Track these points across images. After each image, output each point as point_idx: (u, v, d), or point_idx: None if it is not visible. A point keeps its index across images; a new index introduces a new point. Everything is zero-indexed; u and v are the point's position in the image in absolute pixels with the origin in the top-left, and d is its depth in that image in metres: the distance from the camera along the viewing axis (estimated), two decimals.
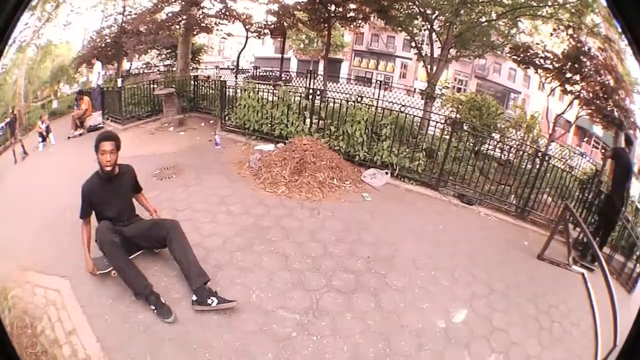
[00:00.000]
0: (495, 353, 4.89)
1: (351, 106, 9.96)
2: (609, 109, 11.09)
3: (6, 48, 2.41)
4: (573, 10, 10.86)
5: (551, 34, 11.77)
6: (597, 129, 13.06)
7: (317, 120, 10.51)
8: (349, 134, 9.75)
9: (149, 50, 15.98)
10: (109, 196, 5.42)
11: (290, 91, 10.76)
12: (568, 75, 11.62)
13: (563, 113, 12.11)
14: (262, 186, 8.20)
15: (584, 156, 12.77)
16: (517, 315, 5.55)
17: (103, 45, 14.44)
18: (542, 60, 12.10)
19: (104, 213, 5.36)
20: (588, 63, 11.13)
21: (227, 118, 11.69)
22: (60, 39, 14.06)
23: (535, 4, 11.41)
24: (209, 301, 4.74)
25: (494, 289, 5.93)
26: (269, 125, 10.77)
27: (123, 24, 14.38)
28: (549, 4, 11.17)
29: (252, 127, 10.97)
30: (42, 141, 11.49)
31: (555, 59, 11.80)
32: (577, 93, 11.63)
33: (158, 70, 16.61)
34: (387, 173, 9.37)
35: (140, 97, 13.30)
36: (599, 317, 5.63)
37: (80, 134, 11.92)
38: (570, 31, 11.27)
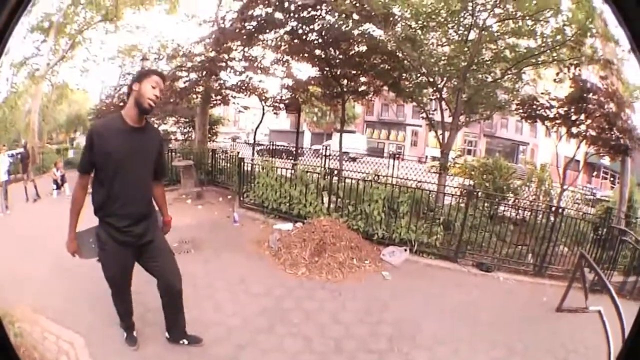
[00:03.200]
0: None
1: (368, 185, 10.10)
2: (614, 137, 11.35)
3: (6, 48, 2.33)
4: (572, 44, 11.04)
5: (554, 80, 12.08)
6: (605, 160, 13.24)
7: (335, 199, 10.62)
8: (367, 213, 9.87)
9: (168, 118, 16.47)
10: (128, 153, 3.99)
11: (307, 171, 10.94)
12: (574, 117, 11.89)
13: (573, 158, 12.33)
14: (282, 267, 8.26)
15: (595, 191, 12.93)
16: None
17: (121, 104, 14.26)
18: (547, 111, 12.38)
19: (113, 179, 4.02)
20: (592, 97, 11.38)
21: (245, 195, 11.88)
22: (77, 85, 14.50)
23: (536, 50, 11.57)
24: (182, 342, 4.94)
25: (513, 350, 6.03)
26: (287, 204, 10.92)
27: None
28: (549, 43, 11.30)
29: (271, 206, 11.16)
30: (57, 189, 11.88)
31: (560, 105, 12.11)
32: (584, 133, 11.91)
33: (175, 138, 17.11)
34: (405, 250, 9.42)
35: None
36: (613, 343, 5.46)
37: None
38: (572, 70, 11.57)
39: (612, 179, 14.31)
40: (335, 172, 11.10)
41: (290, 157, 14.69)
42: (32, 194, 11.39)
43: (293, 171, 11.20)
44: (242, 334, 5.90)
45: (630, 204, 12.13)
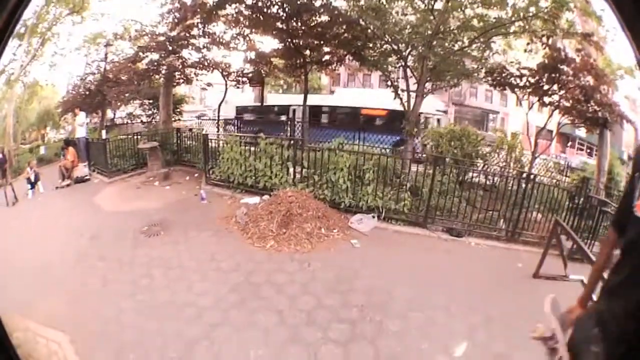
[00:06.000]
0: None
1: (332, 154, 9.97)
2: (590, 110, 11.24)
3: (5, 49, 2.35)
4: (546, 17, 10.76)
5: (525, 50, 11.91)
6: (581, 132, 13.21)
7: (300, 170, 10.51)
8: (333, 182, 9.77)
9: (132, 101, 16.12)
10: None
11: (271, 142, 10.76)
12: (546, 87, 11.74)
13: (544, 127, 12.21)
14: (251, 241, 8.18)
15: (569, 161, 12.94)
16: (519, 338, 5.48)
17: (87, 92, 14.81)
18: (517, 80, 12.20)
19: None
20: (566, 69, 11.22)
21: (211, 172, 11.72)
22: (46, 81, 14.31)
23: (507, 21, 11.24)
24: None
25: (491, 317, 5.89)
26: (253, 177, 10.78)
27: (105, 72, 14.71)
28: (521, 16, 10.96)
29: (237, 180, 11.01)
30: (31, 188, 11.70)
31: (531, 74, 11.92)
32: (557, 103, 11.76)
33: (141, 121, 16.85)
34: (374, 217, 9.35)
35: (125, 149, 13.44)
36: None
37: (68, 185, 12.15)
38: (544, 40, 11.36)
39: (588, 150, 14.30)
40: (300, 142, 11.04)
41: (259, 131, 14.47)
42: (11, 197, 11.22)
43: (257, 144, 10.98)
44: (214, 312, 5.89)
45: (611, 176, 12.08)
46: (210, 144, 11.94)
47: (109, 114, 16.52)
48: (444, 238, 8.88)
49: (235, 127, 16.83)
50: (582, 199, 9.83)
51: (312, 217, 8.66)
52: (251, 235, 8.34)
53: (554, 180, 10.91)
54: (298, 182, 10.29)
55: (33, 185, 11.82)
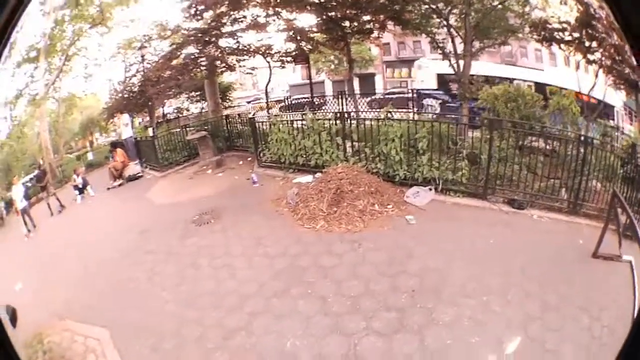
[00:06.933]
0: None
1: (382, 124, 9.72)
2: (626, 71, 10.48)
3: (5, 51, 2.44)
4: None
5: (560, 1, 11.53)
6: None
7: (351, 144, 10.26)
8: (385, 154, 9.49)
9: (178, 95, 16.42)
10: None
11: (318, 118, 10.62)
12: (587, 44, 11.15)
13: (593, 87, 11.63)
14: (300, 222, 8.09)
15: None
16: (570, 329, 5.25)
17: (130, 95, 14.79)
18: (561, 34, 11.70)
19: None
20: (598, 26, 10.61)
21: (262, 154, 11.68)
22: (84, 91, 14.50)
23: None
24: None
25: (548, 304, 5.62)
26: (304, 156, 10.64)
27: (145, 72, 14.70)
28: None
29: (288, 161, 10.93)
30: (80, 194, 11.83)
31: (572, 29, 11.40)
32: (599, 61, 11.07)
33: (191, 113, 17.03)
34: (430, 189, 9.05)
35: (175, 142, 13.69)
36: None
37: (120, 184, 12.35)
38: None
39: (629, 115, 13.68)
40: (347, 115, 10.80)
41: (312, 109, 14.39)
42: (56, 206, 11.39)
43: (304, 122, 10.82)
44: (256, 300, 5.88)
45: None
46: (260, 126, 11.91)
47: (161, 111, 16.68)
48: (505, 210, 8.46)
49: (288, 107, 16.71)
50: (631, 167, 9.11)
51: (364, 193, 8.46)
52: (301, 217, 8.26)
53: (609, 146, 10.14)
54: (350, 156, 10.05)
55: (82, 190, 11.97)
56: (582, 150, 8.79)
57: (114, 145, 13.71)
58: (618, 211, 6.89)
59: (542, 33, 12.14)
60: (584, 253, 6.87)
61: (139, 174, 12.84)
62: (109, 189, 12.26)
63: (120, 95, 14.88)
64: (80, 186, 11.94)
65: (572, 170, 8.73)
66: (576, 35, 11.33)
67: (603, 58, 10.84)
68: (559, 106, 11.43)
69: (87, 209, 11.17)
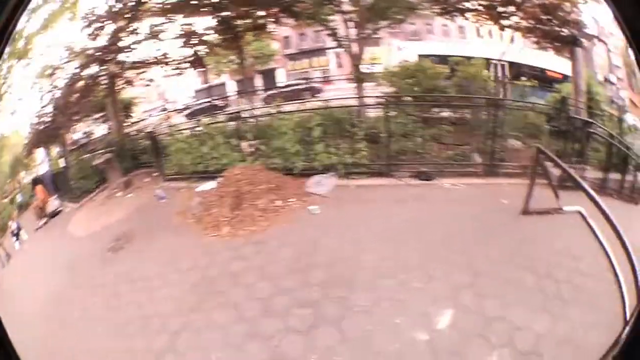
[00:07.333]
0: (497, 349, 4.35)
1: (275, 119, 9.80)
2: (556, 29, 10.46)
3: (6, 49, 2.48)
4: None
5: None
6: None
7: (248, 144, 10.06)
8: (281, 148, 9.32)
9: (85, 119, 15.54)
10: None
11: (212, 122, 10.76)
12: (500, 9, 11.00)
13: (505, 51, 11.50)
14: (206, 232, 7.80)
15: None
16: (513, 293, 4.91)
17: (45, 127, 13.59)
18: (465, 4, 11.51)
19: None
20: None
21: (164, 168, 11.39)
22: (10, 129, 13.95)
23: None
24: None
25: (479, 271, 5.32)
26: (203, 162, 10.43)
27: (55, 100, 14.01)
28: None
29: (189, 170, 10.65)
30: (17, 240, 10.85)
31: None
32: (517, 25, 10.95)
33: (98, 136, 16.38)
34: (332, 176, 8.81)
35: (86, 169, 12.94)
36: (612, 251, 4.84)
37: (45, 223, 11.44)
38: None
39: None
40: (239, 114, 10.89)
41: (214, 112, 14.10)
42: (3, 256, 10.66)
43: (199, 127, 10.92)
44: (176, 319, 5.68)
45: (591, 96, 11.57)
46: (156, 139, 11.84)
47: (73, 137, 16.04)
48: (413, 184, 8.22)
49: (192, 114, 16.35)
50: (563, 121, 9.26)
51: (264, 191, 8.24)
52: (206, 226, 7.94)
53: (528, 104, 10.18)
54: (247, 156, 9.77)
55: (17, 236, 11.09)
56: (494, 113, 8.81)
57: (34, 182, 12.94)
58: (547, 165, 6.78)
59: (444, 6, 11.95)
60: (511, 212, 6.68)
61: (59, 209, 11.94)
62: (36, 229, 11.27)
63: (35, 128, 14.28)
64: (16, 232, 11.14)
65: (486, 134, 8.68)
66: (485, 2, 11.17)
67: (522, 21, 10.74)
68: (466, 75, 11.28)
69: (23, 255, 10.30)
